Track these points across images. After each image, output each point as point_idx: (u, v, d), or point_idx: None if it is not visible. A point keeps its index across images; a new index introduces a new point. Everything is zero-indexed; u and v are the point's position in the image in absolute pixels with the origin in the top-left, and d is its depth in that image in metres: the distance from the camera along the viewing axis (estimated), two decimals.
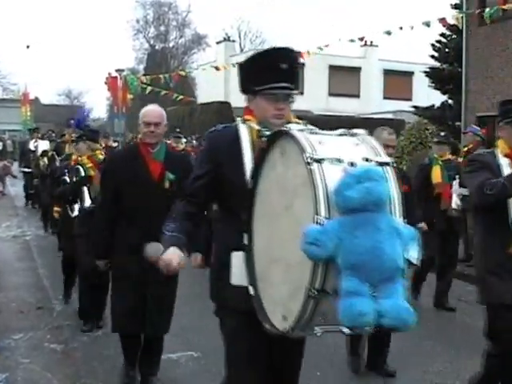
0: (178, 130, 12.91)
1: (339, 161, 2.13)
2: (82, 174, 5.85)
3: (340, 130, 2.35)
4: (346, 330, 2.05)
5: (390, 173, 2.15)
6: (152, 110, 4.26)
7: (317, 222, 2.03)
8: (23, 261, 9.17)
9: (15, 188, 18.22)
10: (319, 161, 2.10)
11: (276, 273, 2.35)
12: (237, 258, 2.58)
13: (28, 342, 5.56)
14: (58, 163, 8.42)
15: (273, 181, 2.41)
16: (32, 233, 11.53)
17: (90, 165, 5.89)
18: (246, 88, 2.76)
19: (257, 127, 2.67)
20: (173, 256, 2.55)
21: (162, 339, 4.44)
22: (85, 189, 5.79)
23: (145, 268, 3.84)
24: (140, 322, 4.21)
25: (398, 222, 2.10)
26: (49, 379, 4.72)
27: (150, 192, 4.11)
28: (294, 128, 2.29)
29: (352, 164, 2.12)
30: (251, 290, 2.49)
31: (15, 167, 18.02)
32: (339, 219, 2.04)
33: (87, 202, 5.77)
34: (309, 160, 2.09)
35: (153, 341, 4.42)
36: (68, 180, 6.17)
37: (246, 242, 2.55)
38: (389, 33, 13.82)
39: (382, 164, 2.17)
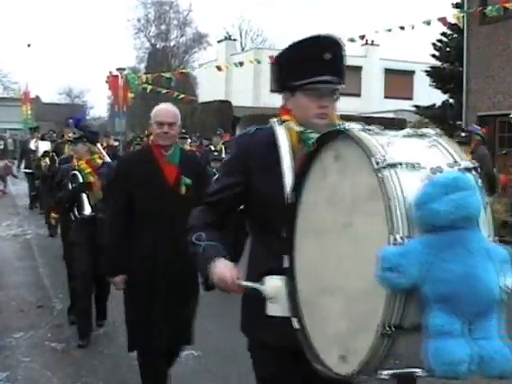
0: (183, 130, 12.61)
1: (416, 167, 1.74)
2: (80, 180, 5.47)
3: (405, 131, 1.96)
4: (422, 374, 1.70)
5: (477, 180, 1.76)
6: (165, 110, 3.88)
7: (393, 243, 1.63)
8: (24, 260, 9.17)
9: (16, 187, 18.22)
10: (393, 166, 1.70)
11: (329, 304, 1.94)
12: (273, 284, 2.19)
13: (28, 340, 5.55)
14: (57, 164, 8.20)
15: (322, 192, 2.00)
16: (32, 232, 11.52)
17: (89, 170, 5.48)
18: (282, 84, 2.37)
19: (298, 128, 2.27)
20: (225, 269, 2.15)
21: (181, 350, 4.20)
22: (84, 196, 5.44)
23: (158, 278, 3.73)
24: (160, 337, 3.80)
25: (488, 241, 1.73)
26: (49, 378, 4.71)
27: (164, 198, 3.75)
28: (353, 127, 1.86)
29: (435, 170, 1.73)
30: (295, 324, 2.07)
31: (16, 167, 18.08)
32: (422, 238, 1.65)
33: (87, 210, 5.43)
34: (379, 166, 1.69)
35: (173, 354, 4.11)
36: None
37: (286, 264, 2.14)
38: (390, 30, 13.83)
39: (468, 170, 1.77)
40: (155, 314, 3.75)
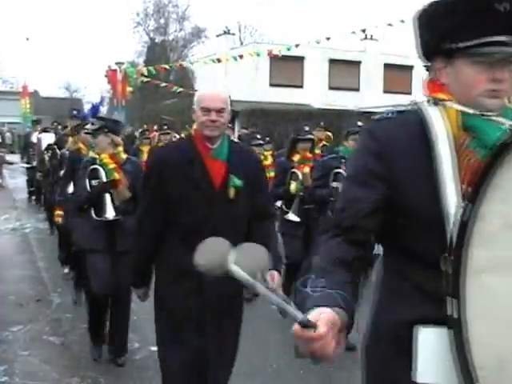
0: (165, 126, 11.78)
1: None
2: (103, 177, 4.67)
3: None
4: None
5: None
6: (212, 93, 3.15)
7: None
8: (22, 253, 9.15)
9: (14, 180, 18.20)
10: None
11: None
12: (428, 339, 1.56)
13: (27, 334, 5.55)
14: (58, 158, 7.96)
15: None
16: (31, 225, 11.50)
17: (113, 165, 4.67)
18: (431, 48, 1.69)
19: (465, 109, 1.59)
20: (327, 326, 1.36)
21: None
22: (107, 196, 4.63)
23: (203, 301, 3.07)
24: (198, 380, 3.20)
25: None
26: (47, 372, 4.72)
27: (209, 202, 3.08)
28: None
29: None
30: None
31: (16, 159, 18.04)
32: None
33: (110, 212, 4.62)
34: None
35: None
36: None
37: (450, 311, 1.48)
38: (390, 25, 13.84)
39: None
40: (192, 348, 3.11)
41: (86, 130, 5.83)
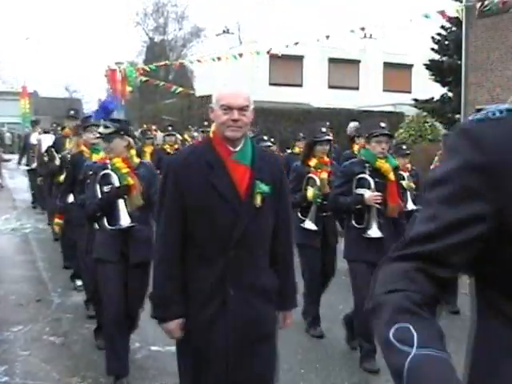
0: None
1: None
2: (116, 182, 4.36)
3: None
4: None
5: None
6: (234, 90, 2.83)
7: None
8: (22, 254, 9.16)
9: (13, 181, 18.20)
10: None
11: None
12: None
13: (27, 334, 5.55)
14: (57, 161, 7.80)
15: None
16: (31, 225, 11.50)
17: (127, 170, 4.41)
18: None
19: None
20: None
21: None
22: (120, 202, 4.34)
23: (229, 328, 2.71)
24: None
25: None
26: (48, 372, 4.72)
27: (234, 213, 2.72)
28: None
29: None
30: None
31: (15, 160, 18.03)
32: None
33: (124, 220, 4.30)
34: None
35: None
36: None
37: None
38: (389, 23, 13.84)
39: None
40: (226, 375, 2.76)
41: (97, 134, 5.30)
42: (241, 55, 18.23)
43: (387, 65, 31.07)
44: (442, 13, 13.69)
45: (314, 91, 27.75)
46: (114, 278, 4.35)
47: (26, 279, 7.58)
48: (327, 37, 15.03)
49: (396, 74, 30.54)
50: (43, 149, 10.20)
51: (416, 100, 18.93)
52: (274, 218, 2.85)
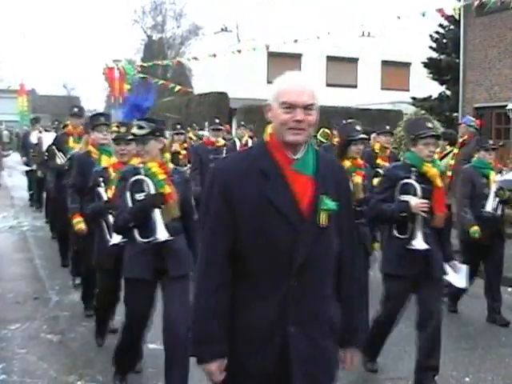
0: (217, 120, 9.08)
1: None
2: (152, 190, 3.93)
3: None
4: None
5: None
6: (297, 85, 2.30)
7: None
8: (20, 252, 9.14)
9: (11, 179, 18.18)
10: None
11: None
12: None
13: (24, 332, 5.55)
14: (59, 160, 7.67)
15: None
16: (29, 223, 11.49)
17: (164, 176, 3.97)
18: None
19: None
20: None
21: None
22: (157, 212, 3.90)
23: (291, 367, 2.24)
24: None
25: None
26: (45, 369, 4.72)
27: (295, 233, 2.25)
28: None
29: None
30: None
31: (14, 158, 18.01)
32: None
33: (162, 233, 3.86)
34: None
35: None
36: (104, 195, 4.53)
37: None
38: (387, 21, 13.84)
39: None
40: None
41: (107, 134, 5.17)
42: (239, 51, 18.20)
43: (385, 63, 31.07)
44: (441, 11, 13.70)
45: None
46: (144, 297, 3.98)
47: (24, 277, 7.57)
48: (328, 33, 15.01)
49: (394, 72, 30.55)
50: (44, 147, 9.82)
51: (414, 98, 18.94)
52: (339, 238, 2.39)
